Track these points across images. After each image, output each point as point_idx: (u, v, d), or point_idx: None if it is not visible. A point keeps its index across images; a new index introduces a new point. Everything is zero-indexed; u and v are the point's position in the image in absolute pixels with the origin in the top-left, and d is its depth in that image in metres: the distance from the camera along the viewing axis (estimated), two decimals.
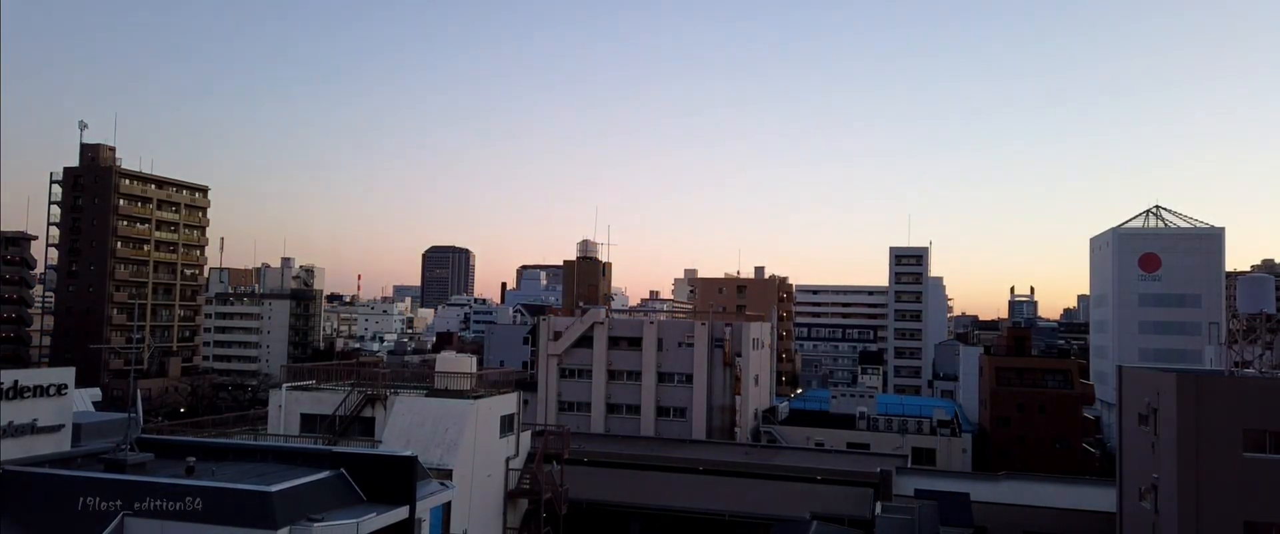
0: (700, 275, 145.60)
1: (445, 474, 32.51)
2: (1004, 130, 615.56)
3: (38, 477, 23.96)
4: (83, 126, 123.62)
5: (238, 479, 23.92)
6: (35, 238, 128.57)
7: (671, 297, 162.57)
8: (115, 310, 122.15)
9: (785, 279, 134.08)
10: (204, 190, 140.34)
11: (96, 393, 40.85)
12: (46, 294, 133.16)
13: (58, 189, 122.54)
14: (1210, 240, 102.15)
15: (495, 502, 39.36)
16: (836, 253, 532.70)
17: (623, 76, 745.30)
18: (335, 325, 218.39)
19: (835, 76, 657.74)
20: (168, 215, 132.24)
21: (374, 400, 38.84)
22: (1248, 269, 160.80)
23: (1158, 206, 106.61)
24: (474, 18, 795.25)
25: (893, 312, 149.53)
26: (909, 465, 60.27)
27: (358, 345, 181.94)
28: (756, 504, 49.34)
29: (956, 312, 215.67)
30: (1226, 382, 36.36)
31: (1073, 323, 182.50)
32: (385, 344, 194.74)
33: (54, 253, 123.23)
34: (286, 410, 39.95)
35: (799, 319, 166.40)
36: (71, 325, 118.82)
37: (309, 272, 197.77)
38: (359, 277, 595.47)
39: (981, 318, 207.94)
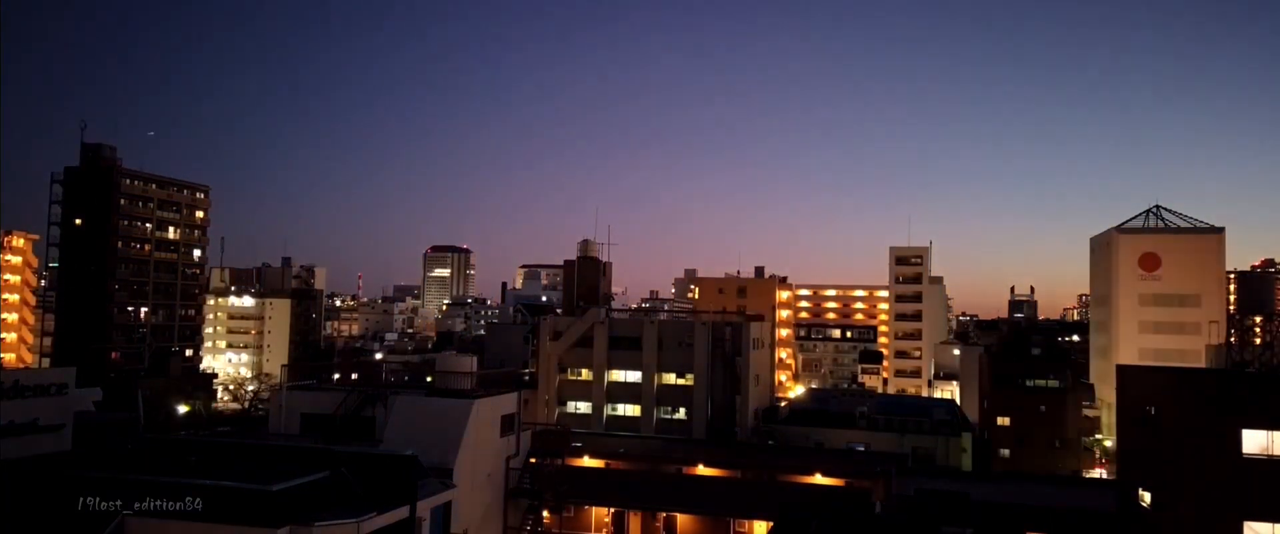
0: (700, 275, 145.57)
1: (445, 474, 32.51)
2: (1004, 130, 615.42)
3: (38, 476, 24.00)
4: (83, 126, 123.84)
5: (238, 479, 23.95)
6: (36, 238, 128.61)
7: (672, 297, 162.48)
8: (116, 310, 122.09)
9: (785, 279, 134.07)
10: (204, 190, 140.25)
11: (97, 392, 40.89)
12: (47, 294, 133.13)
13: (59, 189, 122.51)
14: (1210, 240, 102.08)
15: (495, 501, 39.38)
16: (836, 253, 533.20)
17: (623, 77, 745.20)
18: (336, 325, 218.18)
19: (836, 77, 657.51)
20: (168, 215, 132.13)
21: (374, 400, 38.84)
22: (1248, 269, 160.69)
23: (1158, 206, 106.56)
24: (475, 18, 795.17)
25: (893, 312, 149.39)
26: (909, 465, 60.25)
27: (358, 345, 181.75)
28: (756, 504, 49.30)
29: (956, 312, 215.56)
30: (1225, 381, 36.35)
31: (1073, 323, 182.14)
32: (385, 344, 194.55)
33: (55, 252, 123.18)
34: (287, 410, 39.97)
35: (799, 319, 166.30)
36: (72, 325, 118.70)
37: (309, 271, 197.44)
38: (359, 276, 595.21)
39: (981, 318, 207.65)
